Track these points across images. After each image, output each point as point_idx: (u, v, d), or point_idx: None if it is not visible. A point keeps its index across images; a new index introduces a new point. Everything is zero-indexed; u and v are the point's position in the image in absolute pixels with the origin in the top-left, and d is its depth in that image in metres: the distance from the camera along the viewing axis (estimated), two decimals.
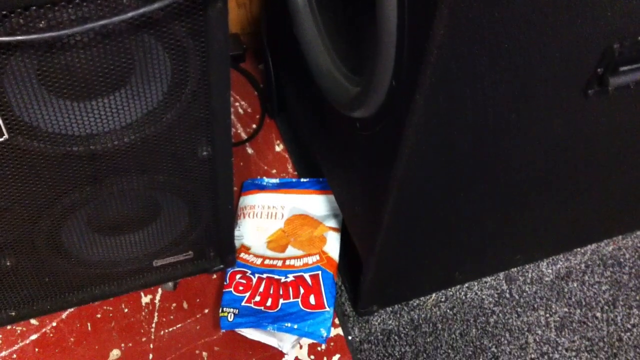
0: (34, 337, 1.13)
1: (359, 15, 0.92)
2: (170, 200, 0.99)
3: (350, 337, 1.16)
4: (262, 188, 1.28)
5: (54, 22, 0.67)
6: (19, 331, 1.13)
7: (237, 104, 1.45)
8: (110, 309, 1.16)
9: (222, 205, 1.02)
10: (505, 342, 1.18)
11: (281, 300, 1.10)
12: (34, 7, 0.64)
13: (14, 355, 1.10)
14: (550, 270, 1.27)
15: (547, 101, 0.86)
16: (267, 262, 1.16)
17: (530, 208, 1.10)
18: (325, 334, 1.07)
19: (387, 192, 0.94)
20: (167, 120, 0.84)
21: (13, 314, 1.04)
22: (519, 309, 1.22)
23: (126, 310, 1.16)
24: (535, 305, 1.23)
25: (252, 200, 1.26)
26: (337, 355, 1.13)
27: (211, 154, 0.92)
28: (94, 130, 0.82)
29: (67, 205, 0.91)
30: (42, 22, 0.66)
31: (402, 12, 0.74)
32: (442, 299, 1.22)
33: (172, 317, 1.15)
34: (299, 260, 1.16)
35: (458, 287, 1.24)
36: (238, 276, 1.14)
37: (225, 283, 1.14)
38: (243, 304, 1.11)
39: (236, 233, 1.22)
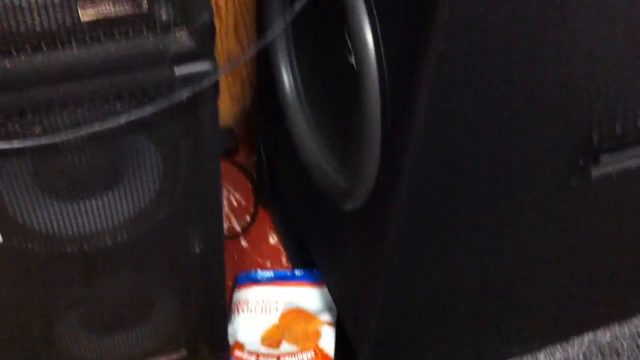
0: None
1: (345, 111, 0.95)
2: (163, 297, 0.99)
3: None
4: (256, 281, 1.28)
5: (49, 126, 0.68)
6: None
7: (230, 196, 1.46)
8: None
9: (215, 302, 1.02)
10: None
11: None
12: (30, 114, 0.66)
13: None
14: None
15: (530, 190, 0.88)
16: (261, 359, 1.14)
17: (523, 295, 1.10)
18: None
19: (376, 282, 0.94)
20: (159, 218, 0.85)
21: None
22: None
23: None
24: None
25: (246, 295, 1.25)
26: None
27: (204, 250, 0.92)
28: (87, 230, 0.82)
29: (60, 306, 0.91)
30: (38, 127, 0.68)
31: (385, 114, 0.77)
32: None
33: None
34: (293, 357, 1.14)
35: None
36: None
37: None
38: None
39: (230, 329, 1.20)
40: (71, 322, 0.96)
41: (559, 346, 1.28)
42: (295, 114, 1.08)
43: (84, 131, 0.69)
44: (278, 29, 0.69)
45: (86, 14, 0.61)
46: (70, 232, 0.82)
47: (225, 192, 1.46)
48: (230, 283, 1.31)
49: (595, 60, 0.74)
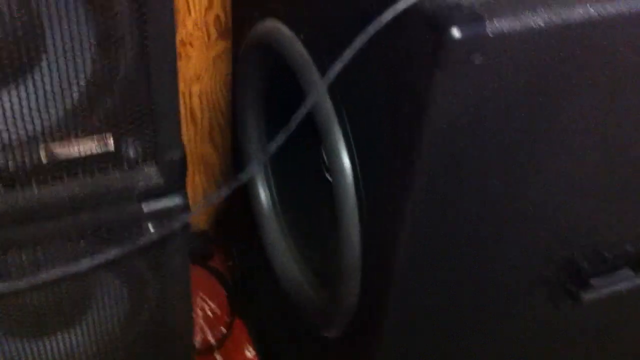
0: None
1: (322, 228, 0.91)
2: None
3: None
4: None
5: (5, 269, 0.64)
6: None
7: (205, 305, 1.40)
8: None
9: None
10: None
11: None
12: None
13: None
14: None
15: (516, 313, 0.84)
16: None
17: None
18: None
19: None
20: (126, 345, 0.79)
21: None
22: None
23: None
24: None
25: None
26: None
27: None
28: None
29: None
30: None
31: (364, 235, 0.73)
32: None
33: None
34: None
35: None
36: None
37: None
38: None
39: None
40: None
41: None
42: (270, 225, 1.04)
43: (41, 279, 0.65)
44: (254, 169, 0.67)
45: (49, 156, 0.58)
46: None
47: (198, 301, 1.40)
48: None
49: (576, 192, 0.72)
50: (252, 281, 1.29)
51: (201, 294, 1.42)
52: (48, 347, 0.73)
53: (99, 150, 0.60)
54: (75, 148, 0.58)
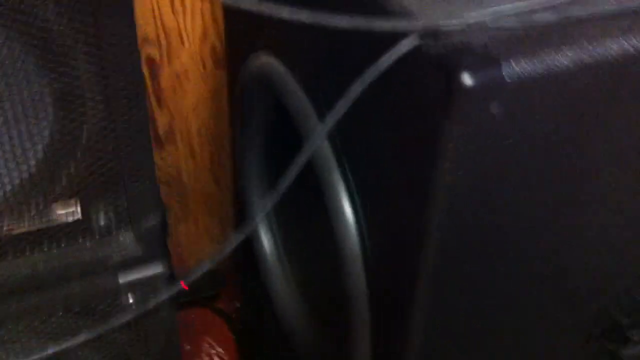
0: None
1: (329, 284, 0.83)
2: None
3: None
4: None
5: None
6: None
7: (212, 351, 1.32)
8: None
9: None
10: None
11: None
12: None
13: None
14: None
15: None
16: None
17: None
18: None
19: None
20: None
21: None
22: None
23: None
24: None
25: None
26: None
27: None
28: None
29: None
30: None
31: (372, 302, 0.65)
32: None
33: None
34: None
35: None
36: None
37: None
38: None
39: None
40: None
41: None
42: (275, 274, 0.96)
43: None
44: (254, 225, 0.60)
45: (3, 230, 0.50)
46: None
47: (205, 346, 1.33)
48: None
49: (608, 244, 0.64)
50: (260, 326, 1.22)
51: (208, 338, 1.34)
52: None
53: (65, 220, 0.52)
54: (34, 222, 0.51)
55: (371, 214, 0.63)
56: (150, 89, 1.08)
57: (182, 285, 1.24)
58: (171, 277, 0.60)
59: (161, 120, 1.13)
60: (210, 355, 1.31)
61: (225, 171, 1.31)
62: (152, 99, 1.09)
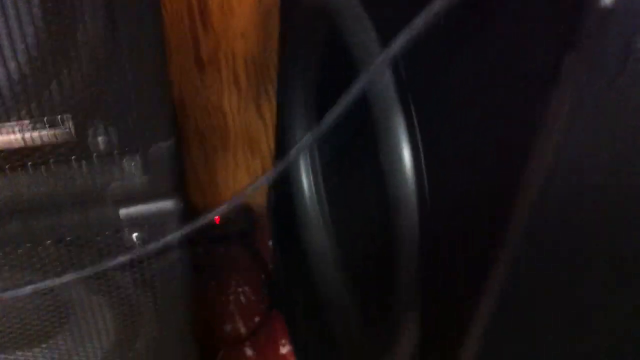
0: None
1: (376, 238, 0.73)
2: None
3: None
4: None
5: None
6: None
7: (239, 289, 1.25)
8: None
9: None
10: None
11: None
12: None
13: None
14: None
15: None
16: None
17: None
18: None
19: None
20: None
21: None
22: None
23: None
24: None
25: None
26: None
27: None
28: None
29: None
30: None
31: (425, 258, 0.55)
32: None
33: None
34: None
35: None
36: None
37: None
38: None
39: None
40: None
41: None
42: (312, 222, 0.86)
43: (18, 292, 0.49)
44: (296, 155, 0.51)
45: None
46: None
47: (232, 284, 1.25)
48: None
49: None
50: (290, 269, 1.13)
51: (236, 276, 1.27)
52: None
53: (53, 139, 0.43)
54: (17, 136, 0.41)
55: (434, 162, 0.52)
56: (195, 8, 0.98)
57: (215, 219, 1.15)
58: (183, 215, 0.51)
59: (205, 42, 1.03)
60: (236, 293, 1.24)
61: (271, 105, 1.21)
62: (197, 19, 0.99)
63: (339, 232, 0.84)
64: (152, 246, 0.47)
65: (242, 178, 1.28)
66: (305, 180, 0.84)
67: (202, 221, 0.48)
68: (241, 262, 1.28)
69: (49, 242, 0.49)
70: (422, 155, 0.54)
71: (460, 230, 0.51)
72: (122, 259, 0.47)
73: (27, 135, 0.42)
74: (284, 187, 1.00)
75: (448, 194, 0.52)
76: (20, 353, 0.59)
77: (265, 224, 1.31)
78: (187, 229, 0.48)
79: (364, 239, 0.78)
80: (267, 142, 1.23)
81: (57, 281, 0.45)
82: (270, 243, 1.30)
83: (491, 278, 0.45)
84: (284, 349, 1.17)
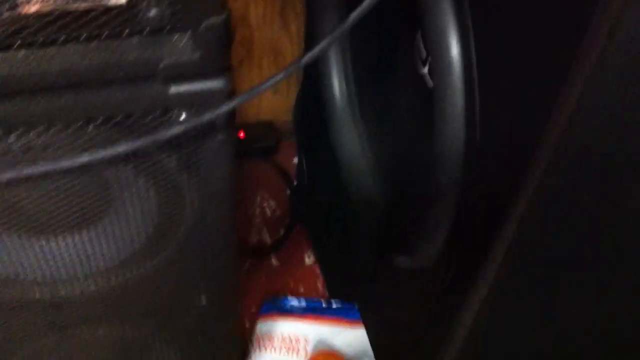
0: None
1: (412, 137, 0.73)
2: (161, 346, 0.79)
3: None
4: (285, 312, 1.08)
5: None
6: None
7: (264, 204, 1.26)
8: None
9: (225, 356, 0.83)
10: None
11: None
12: None
13: None
14: None
15: None
16: None
17: None
18: None
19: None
20: (153, 266, 0.65)
21: None
22: None
23: None
24: None
25: (271, 328, 1.05)
26: None
27: (211, 302, 0.73)
28: (56, 275, 0.63)
29: (26, 356, 0.72)
30: None
31: (471, 149, 0.54)
32: None
33: None
34: None
35: None
36: None
37: None
38: None
39: None
40: None
41: None
42: (343, 126, 0.86)
43: (48, 168, 0.49)
44: (325, 47, 0.50)
45: (29, 7, 0.41)
46: (32, 277, 0.62)
47: (258, 199, 1.26)
48: (253, 310, 1.11)
49: None
50: (318, 181, 1.13)
51: (261, 190, 1.27)
52: (49, 250, 0.59)
53: (104, 4, 0.42)
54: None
55: (489, 54, 0.51)
56: None
57: (240, 134, 1.14)
58: (231, 95, 0.50)
59: None
60: (262, 208, 1.25)
61: (297, 17, 1.19)
62: None
63: (372, 136, 0.84)
64: (196, 121, 0.47)
65: (266, 92, 1.27)
66: (337, 81, 0.83)
67: (242, 99, 0.48)
68: (266, 177, 1.29)
69: (99, 120, 0.49)
70: (471, 40, 0.53)
71: (503, 138, 0.51)
72: (166, 133, 0.47)
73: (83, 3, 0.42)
74: (312, 95, 1.00)
75: (499, 87, 0.52)
76: (68, 240, 0.59)
77: (289, 142, 1.31)
78: (230, 104, 0.48)
79: (400, 144, 0.77)
80: (292, 54, 1.22)
81: (102, 154, 0.45)
82: (295, 160, 1.30)
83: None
84: (309, 260, 1.19)
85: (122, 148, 0.45)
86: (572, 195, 0.51)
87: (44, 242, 0.60)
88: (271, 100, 1.28)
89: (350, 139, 0.84)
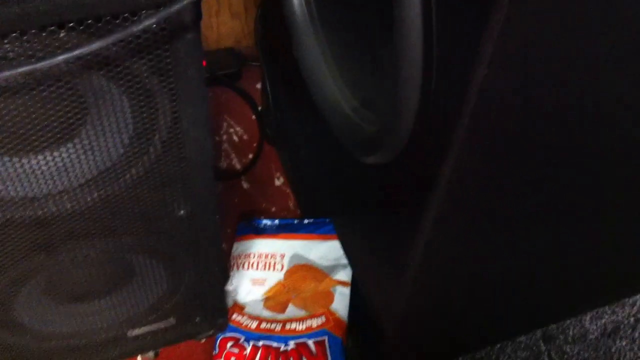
0: None
1: (370, 36, 0.75)
2: (144, 262, 0.82)
3: None
4: (259, 232, 1.11)
5: None
6: None
7: (231, 130, 1.27)
8: None
9: (207, 268, 0.85)
10: None
11: None
12: None
13: None
14: (594, 326, 1.10)
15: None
16: (263, 325, 0.98)
17: (573, 262, 0.93)
18: None
19: (413, 249, 0.76)
20: (131, 178, 0.67)
21: None
22: None
23: None
24: None
25: (247, 248, 1.08)
26: None
27: (190, 213, 0.75)
28: (38, 191, 0.65)
29: (15, 277, 0.74)
30: None
31: (429, 31, 0.56)
32: None
33: None
34: (301, 323, 0.98)
35: (489, 348, 1.07)
36: (229, 344, 0.96)
37: (214, 352, 0.97)
38: None
39: (229, 287, 1.04)
40: (34, 293, 0.79)
41: (607, 308, 1.12)
42: (305, 38, 0.88)
43: (20, 70, 0.50)
44: None
45: None
46: (18, 194, 0.64)
47: (224, 125, 1.28)
48: (229, 230, 1.14)
49: None
50: (284, 102, 1.15)
51: (227, 117, 1.29)
52: (31, 167, 0.61)
53: None
54: None
55: None
56: None
57: (202, 62, 1.15)
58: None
59: None
60: (229, 134, 1.26)
61: None
62: None
63: (334, 43, 0.86)
64: (164, 13, 0.48)
65: (224, 17, 1.27)
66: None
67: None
68: (231, 103, 1.30)
69: (71, 24, 0.50)
70: None
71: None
72: (136, 27, 0.48)
73: None
74: (272, 14, 1.00)
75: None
76: (47, 154, 0.61)
77: (251, 67, 1.31)
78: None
79: (362, 46, 0.79)
80: None
81: (76, 52, 0.46)
82: (259, 85, 1.31)
83: None
84: (279, 182, 1.21)
85: (95, 45, 0.46)
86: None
87: (23, 159, 0.61)
88: (230, 25, 1.28)
89: (313, 47, 0.85)
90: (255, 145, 1.24)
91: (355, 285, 1.03)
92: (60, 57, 0.46)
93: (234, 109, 1.29)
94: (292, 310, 1.01)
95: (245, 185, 1.20)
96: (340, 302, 1.02)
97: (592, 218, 0.85)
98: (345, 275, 1.04)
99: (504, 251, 0.81)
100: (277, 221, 1.13)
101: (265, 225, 1.12)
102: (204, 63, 1.26)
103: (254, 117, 1.26)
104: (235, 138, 1.26)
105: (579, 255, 0.94)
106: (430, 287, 0.83)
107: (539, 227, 0.80)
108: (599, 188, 0.77)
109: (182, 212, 0.74)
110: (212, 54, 1.29)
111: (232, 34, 1.29)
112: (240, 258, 1.08)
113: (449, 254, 0.79)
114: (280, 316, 1.00)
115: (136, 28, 0.46)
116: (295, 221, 1.13)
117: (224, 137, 1.25)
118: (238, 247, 1.09)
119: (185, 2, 0.47)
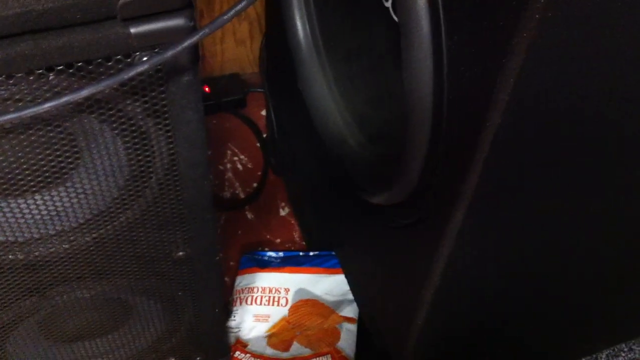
0: None
1: (380, 66, 0.72)
2: (141, 302, 0.79)
3: None
4: (263, 265, 1.07)
5: None
6: None
7: (235, 158, 1.24)
8: None
9: (208, 307, 0.82)
10: None
11: None
12: None
13: None
14: None
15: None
16: None
17: (590, 302, 0.89)
18: None
19: (418, 299, 0.73)
20: (127, 220, 0.64)
21: None
22: None
23: None
24: None
25: (251, 281, 1.05)
26: None
27: (190, 254, 0.72)
28: (29, 235, 0.62)
29: (7, 320, 0.71)
30: None
31: (440, 68, 0.53)
32: None
33: None
34: None
35: None
36: None
37: None
38: None
39: (231, 324, 1.01)
40: (28, 332, 0.76)
41: (624, 345, 1.08)
42: (310, 70, 0.85)
43: (10, 117, 0.47)
44: None
45: None
46: (8, 238, 0.61)
47: (228, 153, 1.25)
48: (232, 263, 1.11)
49: None
50: (289, 131, 1.12)
51: (231, 145, 1.26)
52: (21, 210, 0.58)
53: None
54: None
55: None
56: None
57: (205, 89, 1.12)
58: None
59: None
60: (233, 162, 1.24)
61: None
62: None
63: (340, 76, 0.83)
64: (159, 58, 0.46)
65: (229, 44, 1.25)
66: (300, 23, 0.82)
67: (205, 31, 0.46)
68: (235, 131, 1.27)
69: (60, 67, 0.47)
70: None
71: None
72: (129, 72, 0.46)
73: None
74: (277, 42, 0.98)
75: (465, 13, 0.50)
76: (38, 197, 0.58)
77: (256, 94, 1.29)
78: (193, 37, 0.46)
79: (369, 81, 0.76)
80: (254, 7, 1.19)
81: (66, 98, 0.44)
82: (264, 112, 1.28)
83: None
84: (284, 212, 1.18)
85: (85, 92, 0.43)
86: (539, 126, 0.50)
87: (13, 202, 0.58)
88: (235, 52, 1.26)
89: (318, 80, 0.83)
90: (259, 174, 1.21)
91: (361, 323, 1.00)
92: (47, 105, 0.43)
93: (238, 136, 1.26)
94: (296, 349, 0.98)
95: (249, 215, 1.17)
96: (347, 340, 0.98)
97: (615, 250, 0.81)
98: (352, 311, 1.01)
99: (516, 298, 0.78)
100: (281, 254, 1.10)
101: (269, 257, 1.09)
102: (208, 90, 1.23)
103: (258, 145, 1.23)
104: (239, 166, 1.23)
105: (601, 286, 0.90)
106: (444, 323, 0.80)
107: (549, 277, 0.76)
108: (622, 222, 0.74)
109: (180, 253, 0.71)
110: (217, 80, 1.26)
111: (236, 61, 1.27)
112: (243, 292, 1.04)
113: (463, 293, 0.75)
114: (285, 355, 0.97)
115: (127, 75, 0.43)
116: (301, 254, 1.10)
117: (228, 165, 1.22)
118: (241, 281, 1.06)
119: (180, 48, 0.44)
